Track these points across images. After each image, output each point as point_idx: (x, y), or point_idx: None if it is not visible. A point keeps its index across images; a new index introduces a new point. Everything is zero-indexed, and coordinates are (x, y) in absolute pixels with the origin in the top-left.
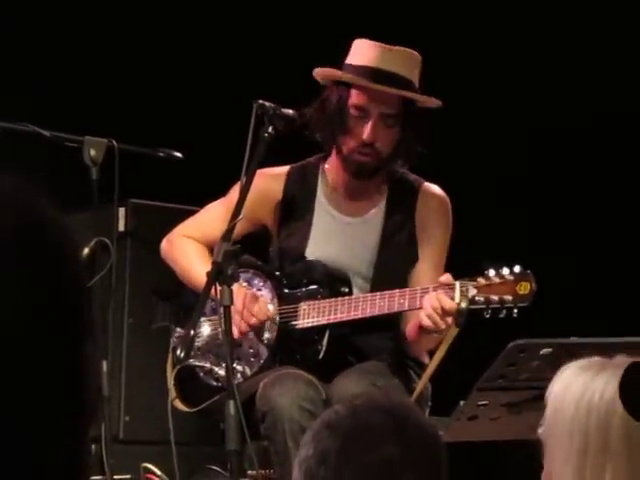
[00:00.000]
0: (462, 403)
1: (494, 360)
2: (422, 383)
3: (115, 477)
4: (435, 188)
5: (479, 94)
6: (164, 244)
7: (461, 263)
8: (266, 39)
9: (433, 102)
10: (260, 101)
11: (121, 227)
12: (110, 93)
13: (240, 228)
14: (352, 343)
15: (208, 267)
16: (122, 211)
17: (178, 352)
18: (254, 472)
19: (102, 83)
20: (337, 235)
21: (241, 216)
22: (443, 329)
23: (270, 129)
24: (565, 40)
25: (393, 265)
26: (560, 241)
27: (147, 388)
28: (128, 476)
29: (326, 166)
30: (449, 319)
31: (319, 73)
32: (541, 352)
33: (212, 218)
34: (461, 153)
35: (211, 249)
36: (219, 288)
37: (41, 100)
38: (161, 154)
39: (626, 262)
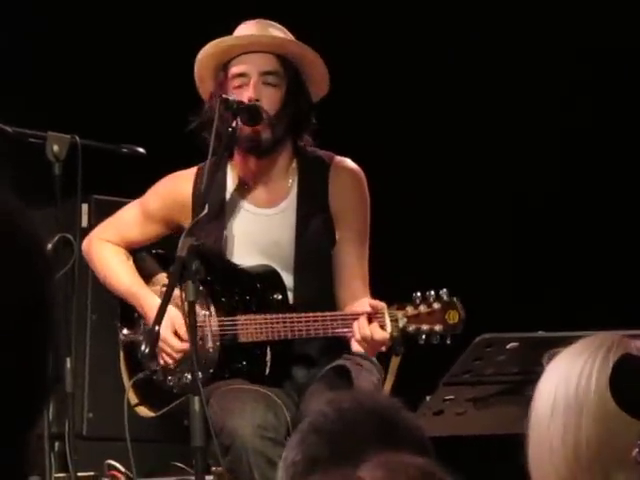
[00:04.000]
0: (428, 398)
1: (460, 354)
2: None
3: (79, 474)
4: (347, 162)
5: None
6: (84, 246)
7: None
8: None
9: (308, 52)
10: (223, 95)
11: (84, 223)
12: (73, 89)
13: (156, 231)
14: (297, 354)
15: (127, 273)
16: (85, 207)
17: (142, 348)
18: (219, 469)
19: (65, 79)
20: (254, 230)
21: (205, 211)
22: (375, 354)
23: (234, 123)
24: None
25: (312, 253)
26: (532, 236)
27: (111, 385)
28: (92, 473)
29: (233, 160)
30: (382, 348)
31: (200, 87)
32: (507, 346)
33: (128, 221)
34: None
35: (129, 250)
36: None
37: (3, 95)
38: (124, 150)
39: (596, 256)
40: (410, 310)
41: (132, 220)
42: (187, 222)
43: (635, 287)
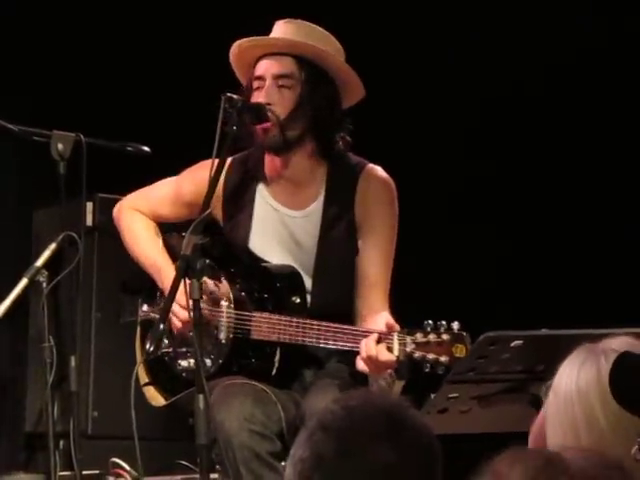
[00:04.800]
0: (432, 396)
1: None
2: None
3: (84, 472)
4: (377, 170)
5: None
6: (115, 211)
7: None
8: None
9: (327, 54)
10: (228, 94)
11: (89, 222)
12: (78, 87)
13: (185, 213)
14: (306, 357)
15: (154, 247)
16: (90, 205)
17: (147, 345)
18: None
19: (70, 77)
20: (279, 229)
21: (210, 209)
22: (378, 375)
23: (238, 122)
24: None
25: (333, 259)
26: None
27: (115, 383)
28: (97, 471)
29: (265, 158)
30: (387, 370)
31: (236, 69)
32: (512, 344)
33: (161, 196)
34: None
35: (157, 223)
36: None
37: (8, 95)
38: (129, 148)
39: (601, 253)
40: (419, 337)
41: (164, 197)
42: (217, 210)
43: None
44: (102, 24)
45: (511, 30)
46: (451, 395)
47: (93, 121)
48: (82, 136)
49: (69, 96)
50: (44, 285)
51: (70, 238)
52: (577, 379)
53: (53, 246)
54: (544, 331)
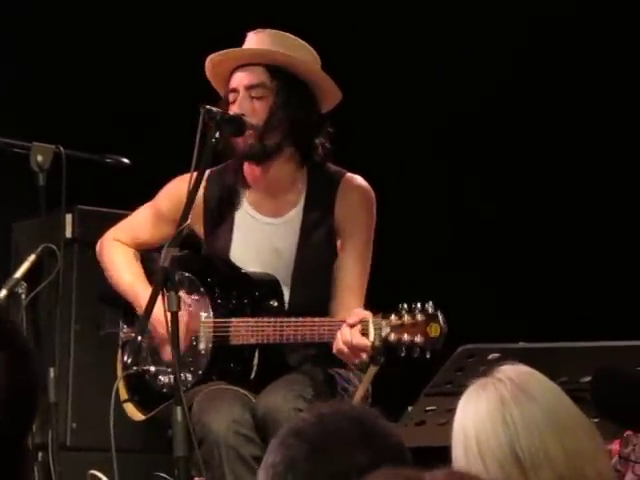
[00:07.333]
0: (410, 408)
1: (442, 365)
2: None
3: None
4: (357, 179)
5: None
6: (98, 246)
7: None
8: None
9: (295, 60)
10: (207, 106)
11: (68, 233)
12: (58, 99)
13: (167, 233)
14: (285, 361)
15: (132, 272)
16: (69, 217)
17: (125, 358)
18: (202, 479)
19: (49, 88)
20: (258, 237)
21: (188, 221)
22: (356, 363)
23: (217, 134)
24: None
25: (311, 266)
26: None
27: (94, 395)
28: None
29: (244, 168)
30: (363, 355)
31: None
32: (489, 357)
33: (140, 222)
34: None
35: (140, 251)
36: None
37: None
38: (109, 160)
39: (578, 267)
40: (394, 320)
41: (144, 221)
42: (198, 225)
43: (617, 298)
44: (84, 37)
45: (501, 45)
46: (429, 408)
47: (73, 133)
48: (62, 148)
49: (49, 108)
50: (23, 297)
51: (49, 250)
52: (462, 421)
53: (32, 258)
54: (521, 344)
